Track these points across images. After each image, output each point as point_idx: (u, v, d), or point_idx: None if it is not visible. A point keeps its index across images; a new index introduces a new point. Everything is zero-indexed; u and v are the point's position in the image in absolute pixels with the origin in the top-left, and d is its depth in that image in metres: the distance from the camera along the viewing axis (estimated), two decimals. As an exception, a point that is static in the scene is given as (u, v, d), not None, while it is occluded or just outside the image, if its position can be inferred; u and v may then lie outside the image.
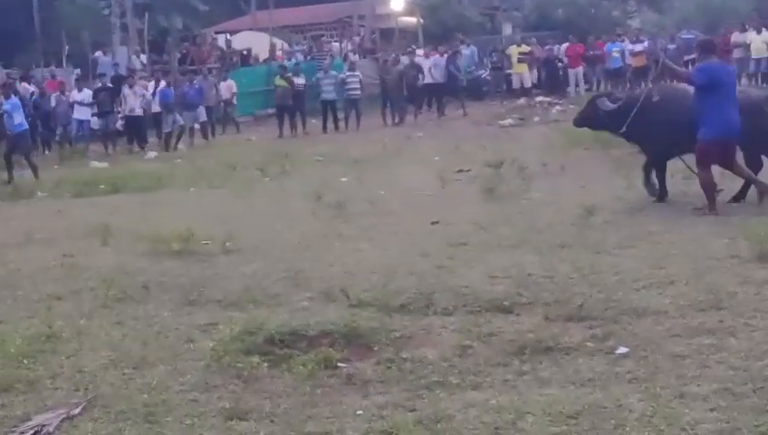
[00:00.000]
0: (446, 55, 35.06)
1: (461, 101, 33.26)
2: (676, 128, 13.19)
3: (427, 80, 33.71)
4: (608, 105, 14.24)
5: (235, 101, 32.76)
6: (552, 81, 36.49)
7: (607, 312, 8.18)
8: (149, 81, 31.21)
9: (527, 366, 7.05)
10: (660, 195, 13.78)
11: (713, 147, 12.63)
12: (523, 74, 35.86)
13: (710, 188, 12.77)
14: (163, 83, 30.12)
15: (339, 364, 7.36)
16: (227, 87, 32.14)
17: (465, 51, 35.96)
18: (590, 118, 14.83)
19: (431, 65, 33.81)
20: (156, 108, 29.26)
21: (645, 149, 14.17)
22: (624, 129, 13.90)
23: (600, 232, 11.58)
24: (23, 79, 33.15)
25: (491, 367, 7.08)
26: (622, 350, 7.21)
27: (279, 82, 31.65)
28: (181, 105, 29.24)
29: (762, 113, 13.17)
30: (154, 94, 29.36)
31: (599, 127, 14.95)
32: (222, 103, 32.29)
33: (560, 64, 36.59)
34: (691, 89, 13.24)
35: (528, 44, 37.13)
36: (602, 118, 14.30)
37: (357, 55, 40.77)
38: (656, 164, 13.92)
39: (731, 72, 13.74)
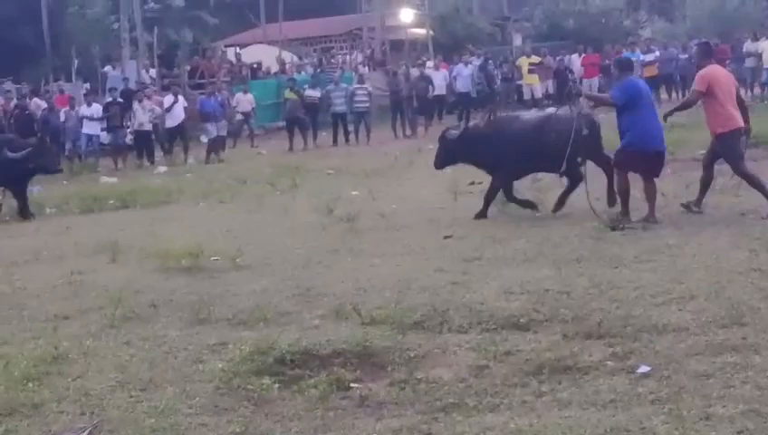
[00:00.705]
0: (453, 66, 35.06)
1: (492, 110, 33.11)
2: (516, 153, 14.22)
3: (438, 91, 33.58)
4: (453, 134, 15.32)
5: (253, 114, 32.53)
6: (562, 91, 36.21)
7: (626, 329, 7.97)
8: (164, 95, 31.07)
9: (546, 387, 6.84)
10: (482, 213, 14.51)
11: (635, 156, 13.10)
12: (534, 85, 35.67)
13: (625, 194, 13.27)
14: (181, 98, 30.02)
15: (351, 385, 7.18)
16: (248, 100, 31.91)
17: (476, 62, 35.72)
18: (446, 155, 15.44)
19: (457, 74, 33.75)
20: (171, 122, 29.18)
21: (493, 174, 14.82)
22: (476, 158, 14.89)
23: (617, 245, 11.37)
24: (34, 94, 33.02)
25: (508, 388, 6.88)
26: (644, 369, 6.99)
27: (289, 95, 31.55)
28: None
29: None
30: (169, 109, 29.24)
31: (457, 160, 15.39)
32: (241, 116, 32.06)
33: (570, 75, 36.34)
34: (527, 116, 15.18)
35: (539, 55, 36.93)
36: (455, 151, 15.11)
37: (367, 67, 40.65)
38: (502, 186, 14.59)
39: (647, 86, 14.22)
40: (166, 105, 29.31)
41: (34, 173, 18.76)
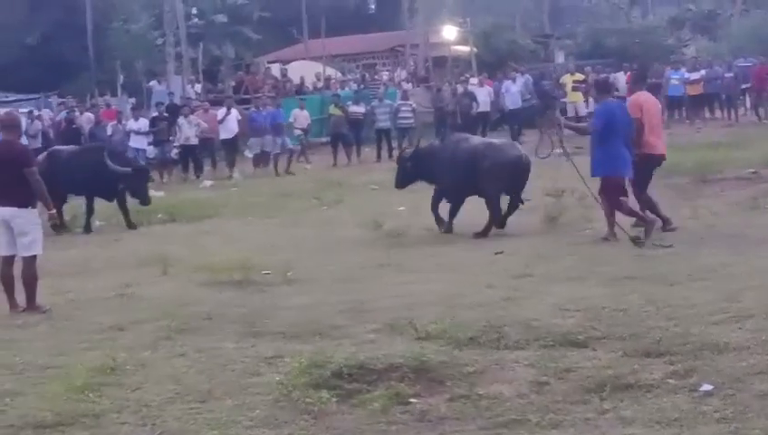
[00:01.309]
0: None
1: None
2: (458, 174, 15.16)
3: (482, 108, 33.56)
4: (407, 153, 17.04)
5: (308, 130, 32.46)
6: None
7: (686, 347, 7.90)
8: (218, 108, 31.19)
9: (608, 404, 6.79)
10: (447, 227, 15.36)
11: (619, 181, 13.47)
12: (578, 103, 35.46)
13: (632, 214, 13.55)
14: (234, 111, 30.15)
15: (411, 400, 7.14)
16: (304, 116, 31.84)
17: (520, 79, 35.60)
18: (404, 176, 16.58)
19: (505, 91, 33.73)
20: (226, 135, 29.38)
21: (437, 190, 15.81)
22: (427, 175, 15.96)
23: (669, 263, 11.31)
24: (86, 107, 33.27)
25: (570, 405, 6.83)
26: (706, 387, 6.92)
27: (333, 110, 31.56)
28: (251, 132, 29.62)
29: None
30: (222, 121, 29.41)
31: (414, 179, 16.51)
32: (300, 132, 32.07)
33: (616, 93, 36.10)
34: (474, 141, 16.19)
35: (583, 72, 36.79)
36: (412, 171, 16.29)
37: (410, 84, 40.66)
38: (450, 202, 15.57)
39: (624, 109, 14.04)
40: (219, 117, 29.49)
41: (122, 193, 18.74)
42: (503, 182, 14.92)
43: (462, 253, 13.23)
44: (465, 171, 15.13)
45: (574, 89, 35.34)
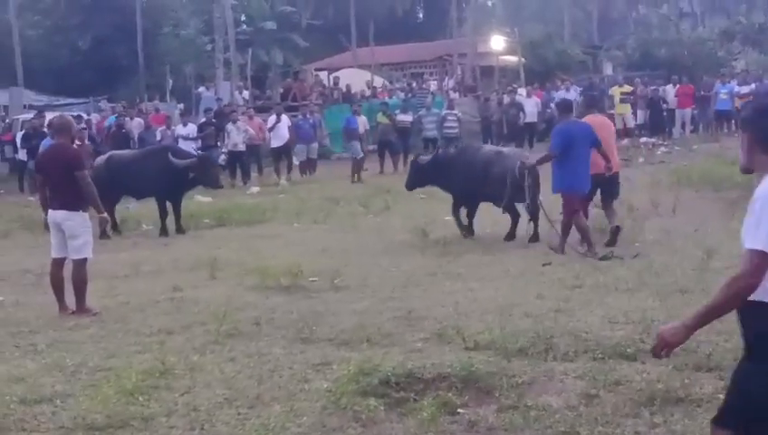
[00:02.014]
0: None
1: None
2: (470, 181, 15.88)
3: (529, 119, 33.50)
4: (424, 159, 17.42)
5: (365, 136, 32.41)
6: (655, 121, 35.83)
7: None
8: (264, 115, 31.33)
9: (658, 418, 6.76)
10: (468, 231, 16.05)
11: (575, 196, 13.98)
12: (626, 115, 35.29)
13: (585, 231, 13.95)
14: (285, 117, 30.24)
15: (459, 410, 7.13)
16: (362, 122, 31.85)
17: (573, 89, 35.36)
18: (416, 178, 17.43)
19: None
20: (276, 142, 29.53)
21: (453, 196, 16.54)
22: (442, 181, 16.70)
23: (721, 277, 11.13)
24: (138, 112, 33.53)
25: (620, 417, 6.80)
26: (757, 403, 6.86)
27: (381, 118, 31.52)
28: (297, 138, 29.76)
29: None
30: (272, 128, 29.54)
31: (425, 183, 17.44)
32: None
33: (664, 105, 35.94)
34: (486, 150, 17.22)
35: (631, 84, 36.61)
36: (425, 176, 17.06)
37: (457, 93, 40.65)
38: (466, 207, 16.37)
39: (585, 129, 14.30)
40: (269, 125, 29.61)
41: (194, 185, 19.03)
42: (512, 188, 15.17)
43: (511, 263, 13.18)
44: (475, 178, 15.77)
45: (622, 100, 35.19)
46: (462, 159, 16.71)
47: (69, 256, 11.34)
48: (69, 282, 11.39)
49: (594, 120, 14.72)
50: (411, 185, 17.71)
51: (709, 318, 4.83)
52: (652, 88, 36.34)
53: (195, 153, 19.16)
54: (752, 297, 4.63)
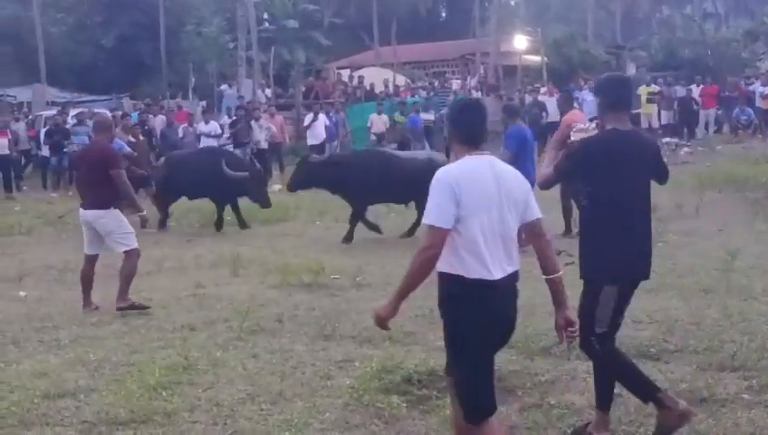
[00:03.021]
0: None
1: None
2: (369, 184, 16.11)
3: (551, 118, 33.37)
4: (315, 159, 17.64)
5: (386, 135, 32.30)
6: (686, 122, 35.61)
7: (761, 362, 7.83)
8: (306, 113, 31.34)
9: (682, 417, 6.72)
10: (373, 228, 16.55)
11: None
12: (652, 115, 35.19)
13: None
14: (322, 116, 30.23)
15: (482, 408, 7.11)
16: (382, 121, 31.76)
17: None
18: (303, 178, 17.13)
19: (582, 100, 33.44)
20: (313, 140, 29.57)
21: (348, 200, 16.81)
22: (334, 185, 16.70)
23: (746, 277, 11.15)
24: (149, 109, 33.50)
25: (643, 417, 6.77)
26: (782, 403, 6.85)
27: (398, 118, 31.40)
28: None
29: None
30: (308, 126, 29.49)
31: (313, 184, 17.37)
32: (374, 137, 32.08)
33: (696, 107, 35.75)
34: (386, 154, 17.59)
35: (657, 84, 36.50)
36: (314, 176, 16.89)
37: (480, 92, 40.57)
38: (358, 212, 16.57)
39: (531, 134, 15.14)
40: (305, 123, 29.63)
41: (242, 195, 18.68)
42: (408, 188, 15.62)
43: (534, 262, 13.08)
44: (377, 182, 16.15)
45: (649, 100, 35.08)
46: (362, 163, 16.80)
47: (116, 251, 11.36)
48: (97, 279, 11.49)
49: (575, 115, 14.64)
50: (296, 185, 17.37)
51: (405, 290, 5.60)
52: (686, 88, 36.08)
53: (249, 168, 18.72)
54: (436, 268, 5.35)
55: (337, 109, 31.94)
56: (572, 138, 6.65)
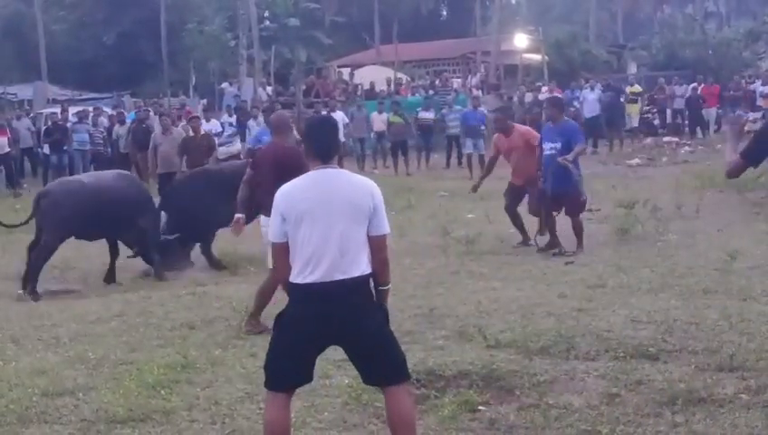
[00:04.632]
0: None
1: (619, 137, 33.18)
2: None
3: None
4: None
5: (386, 134, 32.07)
6: (695, 119, 35.59)
7: (760, 363, 7.81)
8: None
9: (680, 417, 6.73)
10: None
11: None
12: (632, 114, 35.25)
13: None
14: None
15: (480, 408, 7.13)
16: (381, 120, 31.65)
17: (597, 87, 35.16)
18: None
19: (583, 99, 33.45)
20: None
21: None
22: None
23: (745, 278, 11.13)
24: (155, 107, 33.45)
25: (641, 417, 6.78)
26: (780, 404, 6.84)
27: (393, 118, 31.00)
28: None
29: None
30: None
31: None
32: (375, 135, 31.96)
33: (704, 104, 35.75)
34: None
35: (640, 84, 36.81)
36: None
37: (481, 91, 40.59)
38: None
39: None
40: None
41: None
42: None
43: (533, 262, 13.14)
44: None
45: (631, 100, 35.25)
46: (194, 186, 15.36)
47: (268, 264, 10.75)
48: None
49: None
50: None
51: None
52: (692, 86, 36.09)
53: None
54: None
55: (334, 107, 31.72)
56: (747, 128, 7.52)
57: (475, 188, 15.94)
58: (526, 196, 14.82)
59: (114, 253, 14.05)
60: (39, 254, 13.28)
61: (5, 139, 28.10)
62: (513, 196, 15.04)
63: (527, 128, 15.30)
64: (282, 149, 10.19)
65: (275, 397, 5.89)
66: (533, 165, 14.21)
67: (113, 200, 13.65)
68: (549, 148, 13.76)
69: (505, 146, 14.82)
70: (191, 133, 19.29)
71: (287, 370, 5.84)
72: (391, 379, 5.89)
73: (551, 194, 13.74)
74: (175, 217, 14.71)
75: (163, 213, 14.95)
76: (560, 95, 35.16)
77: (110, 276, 13.91)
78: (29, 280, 13.06)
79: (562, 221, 13.97)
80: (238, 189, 13.30)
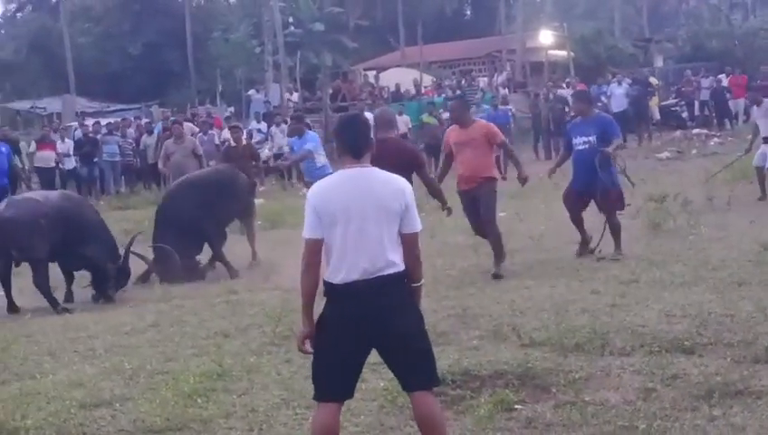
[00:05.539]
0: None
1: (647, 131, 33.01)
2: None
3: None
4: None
5: (409, 136, 32.01)
6: (721, 112, 35.46)
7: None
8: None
9: (717, 411, 6.70)
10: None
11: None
12: (652, 107, 35.18)
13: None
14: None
15: (516, 407, 7.12)
16: (403, 121, 31.55)
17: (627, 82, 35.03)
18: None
19: (611, 94, 33.30)
20: None
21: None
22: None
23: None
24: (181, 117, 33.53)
25: (678, 412, 6.76)
26: (818, 394, 6.80)
27: (427, 119, 31.02)
28: None
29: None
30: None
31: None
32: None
33: (729, 96, 35.63)
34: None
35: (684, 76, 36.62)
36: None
37: (507, 89, 40.52)
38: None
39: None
40: None
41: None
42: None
43: (566, 260, 13.10)
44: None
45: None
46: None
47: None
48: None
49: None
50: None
51: (305, 303, 6.02)
52: (717, 77, 35.97)
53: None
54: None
55: (362, 109, 31.64)
56: None
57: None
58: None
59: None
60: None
61: (51, 152, 27.93)
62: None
63: (491, 124, 14.06)
64: (396, 142, 10.44)
65: (325, 404, 5.94)
66: (486, 165, 12.93)
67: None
68: (582, 142, 13.20)
69: (461, 138, 12.80)
70: (232, 143, 19.09)
71: (334, 380, 5.89)
72: (424, 383, 5.90)
73: (585, 190, 13.18)
74: (172, 229, 14.66)
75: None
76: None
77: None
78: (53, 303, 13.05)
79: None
80: (223, 193, 13.52)
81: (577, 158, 13.34)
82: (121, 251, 13.92)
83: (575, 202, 13.42)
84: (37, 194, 15.27)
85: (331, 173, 6.57)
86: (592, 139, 13.11)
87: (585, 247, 13.33)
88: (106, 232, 14.16)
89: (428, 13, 58.44)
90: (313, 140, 16.98)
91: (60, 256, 13.55)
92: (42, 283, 13.08)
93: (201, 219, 14.60)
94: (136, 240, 14.39)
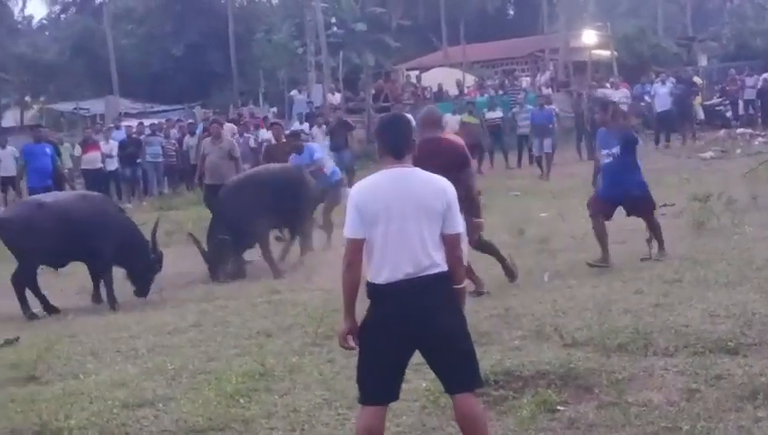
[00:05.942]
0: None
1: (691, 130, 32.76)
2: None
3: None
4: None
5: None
6: (766, 111, 35.17)
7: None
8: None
9: (762, 412, 6.64)
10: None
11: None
12: (695, 106, 34.95)
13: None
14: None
15: (559, 407, 7.09)
16: (456, 121, 31.43)
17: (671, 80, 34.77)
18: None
19: (654, 93, 33.08)
20: None
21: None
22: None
23: (824, 268, 10.97)
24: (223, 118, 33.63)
25: (722, 412, 6.70)
26: None
27: (468, 119, 30.84)
28: None
29: None
30: None
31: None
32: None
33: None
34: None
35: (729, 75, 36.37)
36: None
37: (550, 89, 40.36)
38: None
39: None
40: None
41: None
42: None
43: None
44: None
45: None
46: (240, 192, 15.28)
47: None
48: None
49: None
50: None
51: (347, 301, 6.00)
52: (762, 77, 35.61)
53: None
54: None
55: (402, 110, 31.63)
56: None
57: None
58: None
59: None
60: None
61: (97, 153, 27.97)
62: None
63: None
64: (442, 141, 10.20)
65: (370, 407, 5.96)
66: None
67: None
68: (605, 154, 12.84)
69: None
70: (273, 141, 18.98)
71: (379, 382, 5.90)
72: (466, 384, 5.90)
73: (612, 199, 12.87)
74: (226, 223, 14.76)
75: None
76: (627, 89, 35.07)
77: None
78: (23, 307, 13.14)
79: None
80: (286, 192, 13.49)
81: (604, 169, 12.99)
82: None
83: (600, 206, 12.98)
84: (48, 195, 15.23)
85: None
86: (615, 151, 12.78)
87: (604, 263, 12.72)
88: (130, 230, 14.15)
89: (471, 12, 58.27)
90: (318, 151, 17.39)
91: (77, 256, 13.73)
92: (18, 282, 13.17)
93: (259, 217, 14.60)
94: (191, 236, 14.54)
